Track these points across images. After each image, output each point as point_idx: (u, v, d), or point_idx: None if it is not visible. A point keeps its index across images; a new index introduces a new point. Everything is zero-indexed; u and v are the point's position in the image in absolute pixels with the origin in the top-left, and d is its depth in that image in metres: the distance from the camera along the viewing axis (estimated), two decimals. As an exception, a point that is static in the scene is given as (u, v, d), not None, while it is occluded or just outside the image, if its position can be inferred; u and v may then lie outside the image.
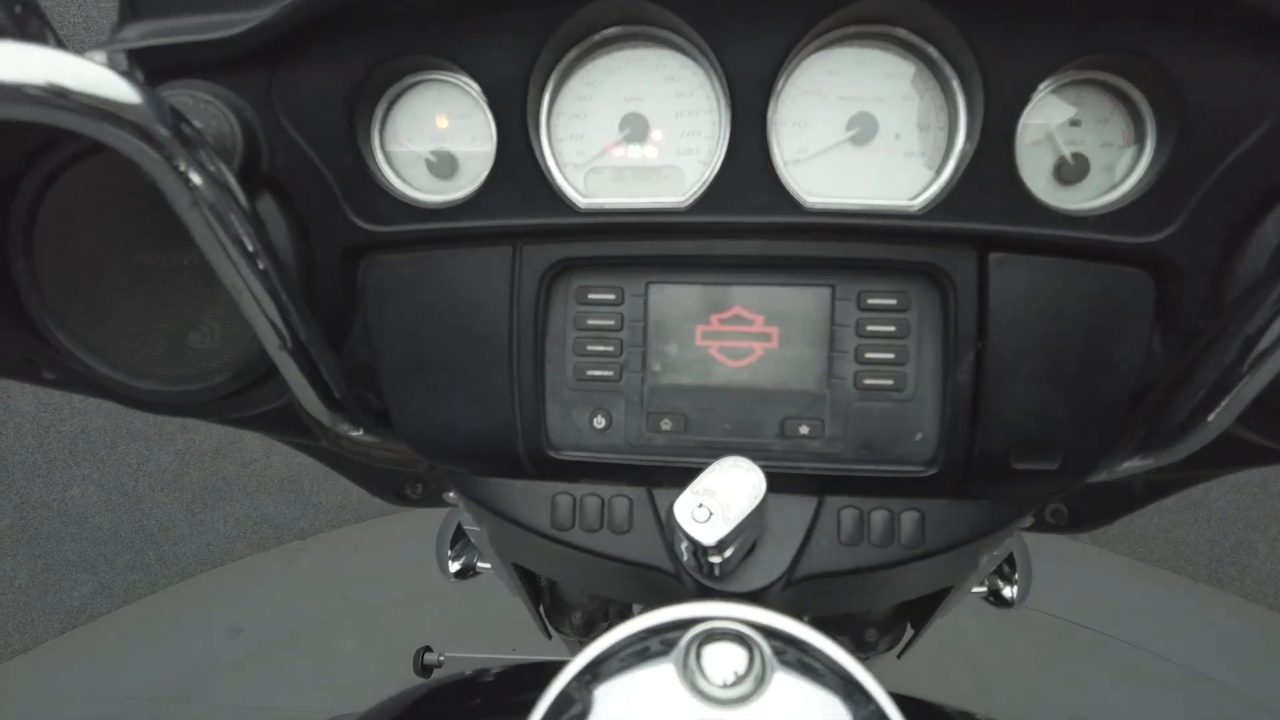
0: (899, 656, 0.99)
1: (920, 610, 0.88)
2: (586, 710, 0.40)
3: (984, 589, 0.92)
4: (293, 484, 2.76)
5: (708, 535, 0.51)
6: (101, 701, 2.25)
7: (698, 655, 0.39)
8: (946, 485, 0.58)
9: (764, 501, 0.52)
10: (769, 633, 0.41)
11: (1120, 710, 2.13)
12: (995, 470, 0.57)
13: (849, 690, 0.39)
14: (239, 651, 2.44)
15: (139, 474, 2.48)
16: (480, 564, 0.97)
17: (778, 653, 0.40)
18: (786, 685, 0.38)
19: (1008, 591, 0.90)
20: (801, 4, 0.50)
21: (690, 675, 0.39)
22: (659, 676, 0.40)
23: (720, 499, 0.52)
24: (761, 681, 0.38)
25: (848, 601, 0.69)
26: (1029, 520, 0.80)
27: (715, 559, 0.54)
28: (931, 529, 0.60)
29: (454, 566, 0.95)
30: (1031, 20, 0.49)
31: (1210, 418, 0.49)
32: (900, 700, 0.69)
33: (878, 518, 0.60)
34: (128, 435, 2.41)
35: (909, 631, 0.96)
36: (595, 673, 0.41)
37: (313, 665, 2.38)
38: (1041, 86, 0.51)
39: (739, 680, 0.38)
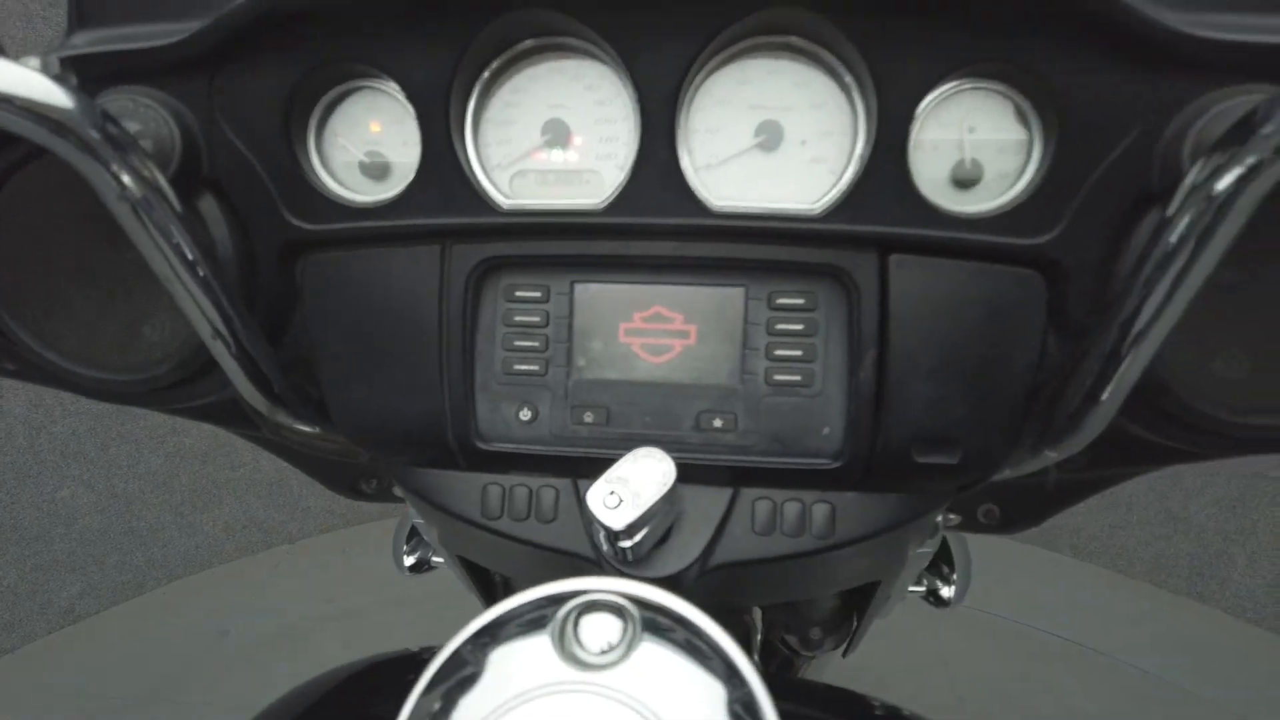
0: (844, 655, 1.01)
1: (864, 608, 0.90)
2: (480, 671, 0.42)
3: (922, 588, 0.94)
4: (281, 488, 2.79)
5: (617, 520, 0.53)
6: (89, 700, 2.27)
7: (575, 624, 0.42)
8: (852, 478, 0.61)
9: (674, 489, 0.54)
10: (648, 606, 0.43)
11: (1090, 716, 2.14)
12: (898, 464, 0.60)
13: (728, 672, 0.42)
14: (226, 653, 2.46)
15: (129, 476, 2.51)
16: (435, 559, 1.00)
17: (664, 630, 0.42)
18: (655, 655, 0.41)
19: (945, 591, 0.92)
20: (700, 19, 0.53)
21: (566, 642, 0.41)
22: (547, 643, 0.42)
23: (632, 486, 0.54)
24: (630, 649, 0.40)
25: (769, 592, 0.71)
26: (954, 518, 0.82)
27: (626, 543, 0.56)
28: (842, 521, 0.62)
29: (408, 561, 0.98)
30: (918, 32, 0.52)
31: (1095, 408, 0.51)
32: (825, 690, 0.71)
33: (790, 509, 0.62)
34: (119, 437, 2.44)
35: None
36: (493, 635, 0.43)
37: (299, 667, 2.39)
38: (931, 95, 0.54)
39: (612, 649, 0.41)
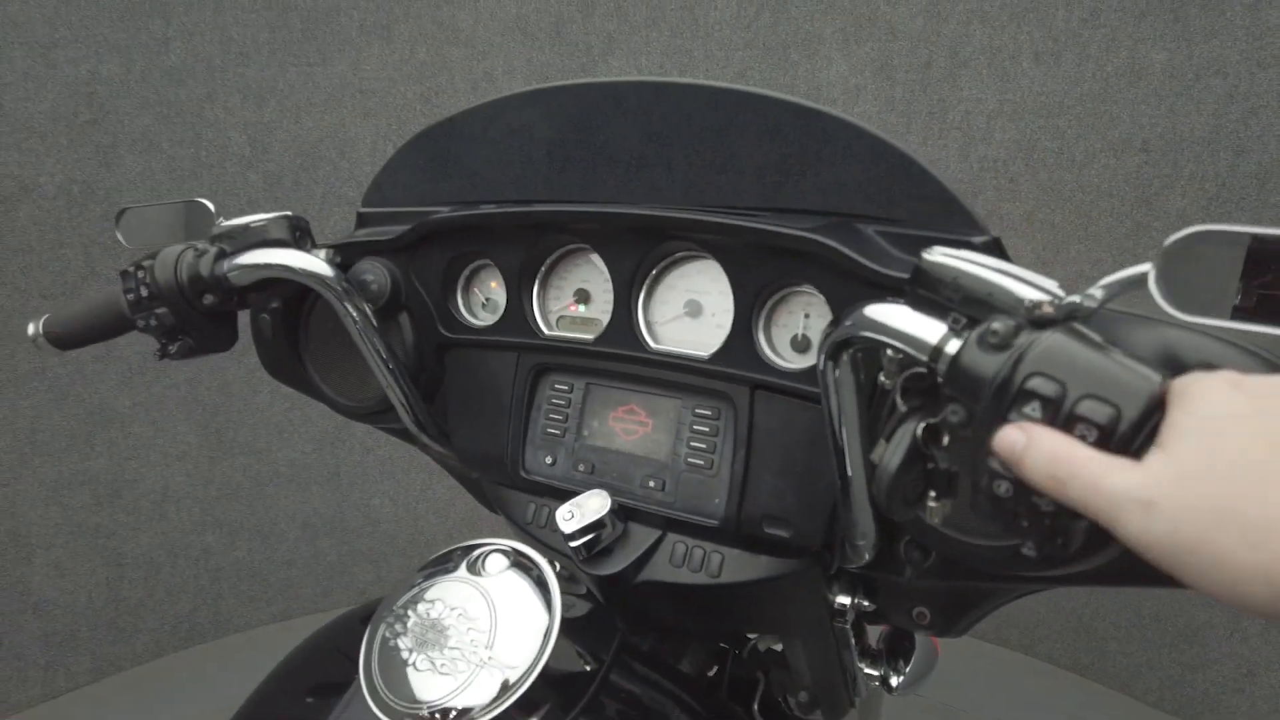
0: (826, 725, 1.21)
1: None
2: (456, 565, 0.82)
3: (879, 672, 1.13)
4: (525, 532, 3.39)
5: (567, 528, 0.90)
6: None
7: (486, 558, 0.80)
8: (729, 536, 0.90)
9: (609, 516, 0.90)
10: (520, 555, 0.80)
11: None
12: (755, 531, 0.88)
13: (548, 600, 0.77)
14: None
15: (420, 498, 3.29)
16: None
17: (525, 568, 0.79)
18: (514, 579, 0.77)
19: (894, 680, 1.11)
20: (634, 249, 0.92)
21: (476, 564, 0.79)
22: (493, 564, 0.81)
23: (583, 510, 0.91)
24: (502, 573, 0.78)
25: (687, 613, 1.01)
26: (867, 605, 1.02)
27: (574, 544, 0.92)
28: (728, 568, 0.91)
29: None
30: (751, 265, 0.85)
31: (850, 512, 0.77)
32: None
33: (696, 552, 0.93)
34: (417, 467, 3.24)
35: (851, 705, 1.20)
36: (475, 550, 0.83)
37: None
38: (772, 297, 0.86)
39: (498, 571, 0.79)
